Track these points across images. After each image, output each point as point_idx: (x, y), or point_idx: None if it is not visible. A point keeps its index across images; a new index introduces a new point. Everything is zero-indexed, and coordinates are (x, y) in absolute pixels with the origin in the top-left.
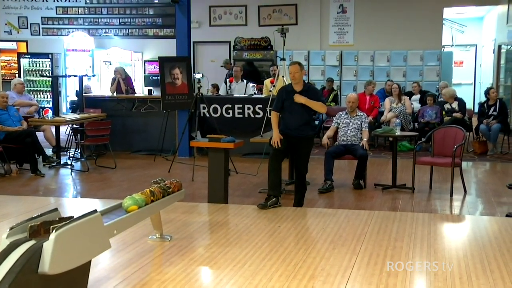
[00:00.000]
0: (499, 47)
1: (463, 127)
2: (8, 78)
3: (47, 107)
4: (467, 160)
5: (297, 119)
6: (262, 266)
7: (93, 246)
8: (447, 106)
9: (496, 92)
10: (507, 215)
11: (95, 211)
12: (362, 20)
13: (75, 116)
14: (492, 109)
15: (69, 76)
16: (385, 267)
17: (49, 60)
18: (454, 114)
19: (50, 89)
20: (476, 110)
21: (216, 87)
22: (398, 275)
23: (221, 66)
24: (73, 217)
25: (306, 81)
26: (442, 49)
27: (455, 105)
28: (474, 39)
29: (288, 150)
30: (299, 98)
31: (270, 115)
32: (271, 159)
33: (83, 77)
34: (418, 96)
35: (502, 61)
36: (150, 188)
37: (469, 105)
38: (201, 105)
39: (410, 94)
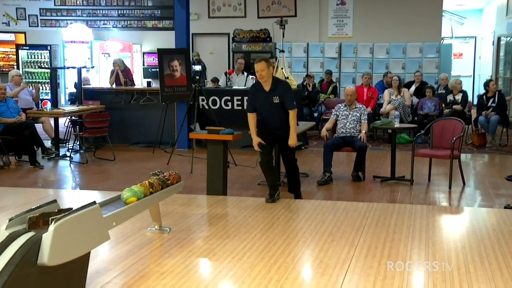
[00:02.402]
0: (499, 39)
1: (463, 120)
2: (7, 69)
3: (46, 99)
4: (466, 152)
5: (276, 120)
6: (261, 258)
7: (92, 238)
8: (449, 97)
9: (495, 84)
10: (505, 207)
11: (94, 202)
12: (361, 12)
13: (74, 108)
14: (491, 101)
15: (68, 68)
16: (383, 259)
17: (48, 51)
18: (454, 106)
19: (49, 81)
20: (475, 102)
21: (216, 80)
22: (396, 267)
23: (194, 58)
24: (72, 208)
25: (274, 77)
26: (442, 41)
27: (458, 96)
28: (473, 31)
29: (273, 143)
30: (292, 142)
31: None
32: (261, 160)
33: (82, 69)
34: (417, 85)
35: (502, 53)
36: (149, 180)
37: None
38: (200, 97)
39: (409, 85)
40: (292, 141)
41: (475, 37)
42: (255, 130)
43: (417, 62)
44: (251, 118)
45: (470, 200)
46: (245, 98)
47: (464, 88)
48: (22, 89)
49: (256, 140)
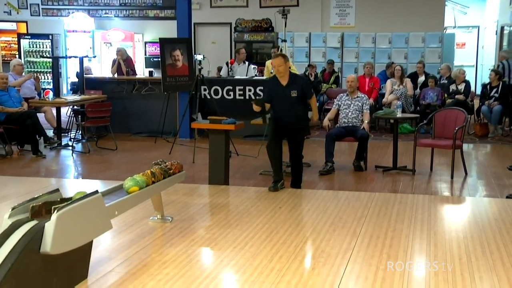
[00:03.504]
0: (502, 28)
1: (465, 110)
2: (8, 59)
3: (48, 89)
4: (468, 142)
5: (292, 115)
6: (263, 248)
7: (95, 227)
8: (452, 87)
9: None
10: (507, 197)
11: (96, 192)
12: (364, 1)
13: (76, 97)
14: (494, 90)
15: (70, 57)
16: (385, 249)
17: (49, 41)
18: (457, 96)
19: (51, 70)
20: (478, 92)
21: (219, 69)
22: (398, 257)
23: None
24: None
25: (290, 73)
26: (444, 31)
27: (461, 86)
28: (476, 21)
29: (283, 135)
30: (315, 117)
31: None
32: (268, 144)
33: (84, 59)
34: (423, 78)
35: (505, 43)
36: (151, 170)
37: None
38: (202, 87)
39: (411, 76)
40: (315, 116)
41: (478, 27)
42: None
43: (420, 52)
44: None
45: (472, 190)
46: (247, 87)
47: (466, 78)
48: (27, 79)
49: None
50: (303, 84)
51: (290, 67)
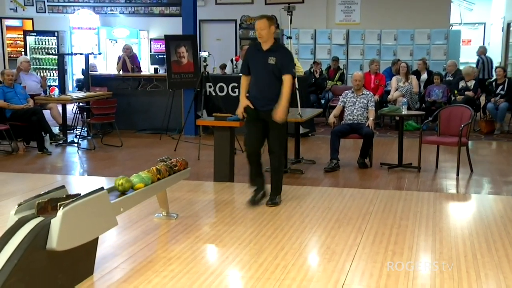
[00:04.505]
0: (508, 25)
1: (473, 107)
2: (15, 56)
3: (53, 85)
4: (474, 139)
5: (267, 88)
6: (268, 244)
7: (100, 223)
8: (462, 83)
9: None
10: None
11: (102, 188)
12: None
13: (81, 94)
14: (500, 88)
15: (75, 54)
16: (390, 246)
17: (55, 38)
18: (466, 93)
19: (56, 67)
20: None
21: (223, 67)
22: (404, 254)
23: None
24: (80, 194)
25: (277, 41)
26: (450, 27)
27: (471, 83)
28: (482, 17)
29: (264, 129)
30: (279, 115)
31: None
32: (248, 149)
33: (89, 55)
34: (425, 76)
35: (511, 40)
36: (156, 166)
37: None
38: (207, 84)
39: (416, 73)
40: (280, 113)
41: (484, 23)
42: (245, 94)
43: (425, 48)
44: (244, 80)
45: (477, 187)
46: None
47: None
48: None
49: (244, 102)
50: (283, 55)
51: (274, 32)
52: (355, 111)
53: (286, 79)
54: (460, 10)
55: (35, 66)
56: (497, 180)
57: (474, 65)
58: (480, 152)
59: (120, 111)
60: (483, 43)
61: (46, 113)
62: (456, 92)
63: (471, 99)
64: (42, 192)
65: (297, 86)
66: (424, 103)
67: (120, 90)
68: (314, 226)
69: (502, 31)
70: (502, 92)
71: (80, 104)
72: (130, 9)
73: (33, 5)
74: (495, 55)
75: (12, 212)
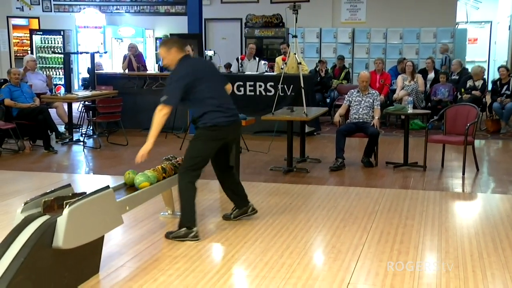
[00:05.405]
0: None
1: (479, 106)
2: (21, 55)
3: (59, 84)
4: (480, 138)
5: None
6: (273, 243)
7: (106, 222)
8: (470, 83)
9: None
10: None
11: (108, 187)
12: None
13: (87, 93)
14: (505, 87)
15: (81, 53)
16: (395, 245)
17: (61, 37)
18: (473, 92)
19: (62, 66)
20: (490, 88)
21: (229, 66)
22: (409, 253)
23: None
24: (86, 193)
25: (183, 58)
26: (456, 26)
27: (479, 83)
28: (489, 16)
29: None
30: (140, 153)
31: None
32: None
33: (95, 54)
34: (433, 75)
35: None
36: (162, 165)
37: None
38: None
39: (422, 72)
40: (142, 151)
41: (491, 22)
42: None
43: (431, 47)
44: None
45: (483, 186)
46: (258, 83)
47: None
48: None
49: None
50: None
51: (180, 51)
52: (360, 110)
53: (157, 108)
54: (467, 9)
55: (41, 65)
56: (504, 179)
57: (481, 64)
58: (486, 151)
59: (126, 109)
60: (490, 42)
61: (52, 112)
62: (463, 90)
63: (478, 98)
64: (48, 191)
65: (302, 85)
66: (430, 102)
67: (125, 89)
68: (319, 225)
69: (509, 29)
70: (508, 92)
71: (86, 102)
72: (135, 8)
73: (39, 4)
74: (502, 54)
75: (18, 210)
